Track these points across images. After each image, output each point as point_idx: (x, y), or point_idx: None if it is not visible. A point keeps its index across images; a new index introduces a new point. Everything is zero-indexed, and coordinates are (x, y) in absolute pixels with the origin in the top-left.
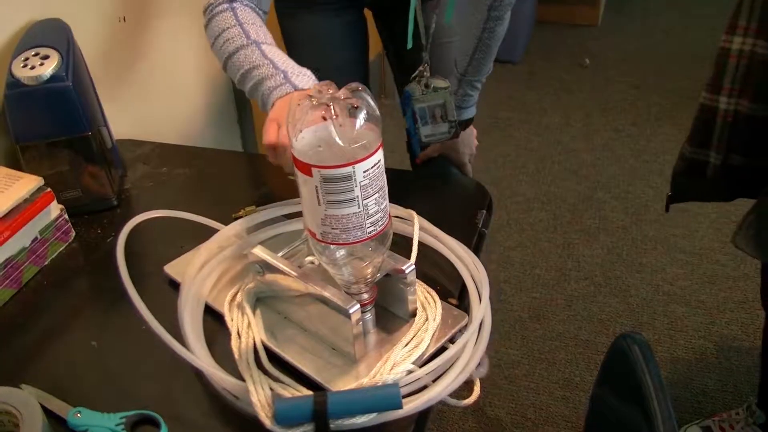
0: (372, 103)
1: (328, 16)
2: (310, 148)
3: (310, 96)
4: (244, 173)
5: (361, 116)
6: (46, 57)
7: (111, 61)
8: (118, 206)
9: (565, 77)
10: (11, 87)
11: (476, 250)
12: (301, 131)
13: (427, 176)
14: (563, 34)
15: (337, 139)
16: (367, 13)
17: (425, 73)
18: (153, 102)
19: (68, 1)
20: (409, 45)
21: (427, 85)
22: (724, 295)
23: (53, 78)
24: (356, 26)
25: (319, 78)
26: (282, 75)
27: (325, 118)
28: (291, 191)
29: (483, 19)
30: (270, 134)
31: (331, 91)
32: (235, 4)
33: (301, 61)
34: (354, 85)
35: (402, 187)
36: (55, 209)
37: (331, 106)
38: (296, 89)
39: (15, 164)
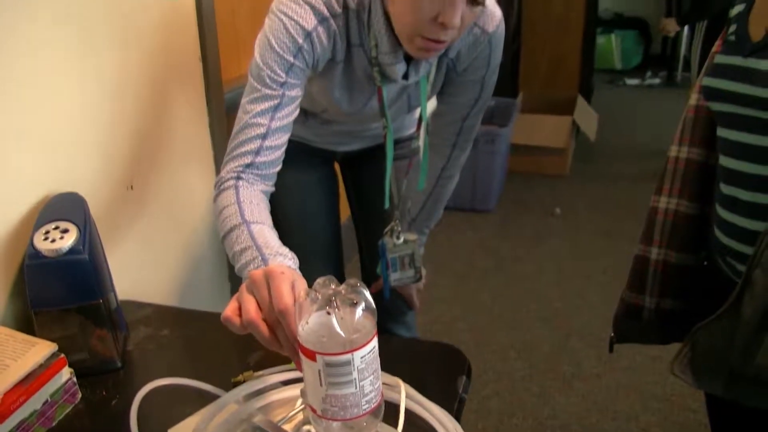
0: (368, 296)
1: (302, 170)
2: (314, 337)
3: (314, 290)
4: (242, 337)
5: (359, 309)
6: (65, 231)
7: (118, 225)
8: (122, 368)
9: (537, 226)
10: (32, 258)
11: (457, 416)
12: (307, 322)
13: (410, 341)
14: (534, 183)
15: (339, 330)
16: None
17: (397, 228)
18: (153, 262)
19: (82, 174)
20: (386, 205)
21: (398, 238)
22: None
23: (71, 251)
24: (327, 179)
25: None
26: (261, 258)
27: (328, 312)
28: (286, 357)
29: (436, 176)
30: (227, 308)
31: (333, 286)
32: (240, 182)
33: (281, 207)
34: (353, 281)
35: (385, 352)
36: (65, 373)
37: (334, 301)
38: (266, 265)
39: (28, 327)
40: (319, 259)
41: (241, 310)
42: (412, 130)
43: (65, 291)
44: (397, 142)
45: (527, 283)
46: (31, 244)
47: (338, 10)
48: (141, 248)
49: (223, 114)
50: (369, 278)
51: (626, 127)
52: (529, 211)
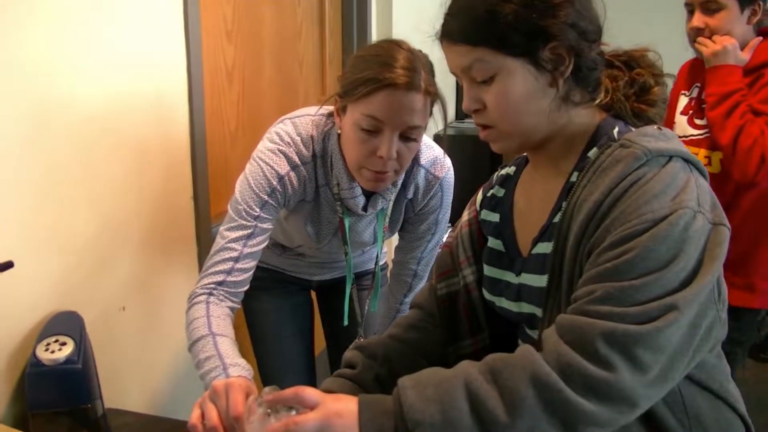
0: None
1: (280, 297)
2: None
3: (261, 396)
4: None
5: (293, 413)
6: (63, 344)
7: (109, 342)
8: None
9: None
10: (34, 366)
11: None
12: (251, 421)
13: None
14: None
15: None
16: None
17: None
18: (140, 375)
19: (80, 296)
20: (345, 322)
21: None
22: None
23: (68, 361)
24: (303, 305)
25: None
26: (222, 366)
27: (268, 414)
28: None
29: (398, 303)
30: (191, 416)
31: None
32: (211, 298)
33: (259, 330)
34: (293, 389)
35: None
36: None
37: (274, 406)
38: (228, 377)
39: (23, 426)
40: (295, 382)
41: (204, 417)
42: (373, 265)
43: (59, 395)
44: (364, 274)
45: None
46: (34, 354)
47: (308, 158)
48: (130, 362)
49: (210, 245)
50: None
51: None
52: None
